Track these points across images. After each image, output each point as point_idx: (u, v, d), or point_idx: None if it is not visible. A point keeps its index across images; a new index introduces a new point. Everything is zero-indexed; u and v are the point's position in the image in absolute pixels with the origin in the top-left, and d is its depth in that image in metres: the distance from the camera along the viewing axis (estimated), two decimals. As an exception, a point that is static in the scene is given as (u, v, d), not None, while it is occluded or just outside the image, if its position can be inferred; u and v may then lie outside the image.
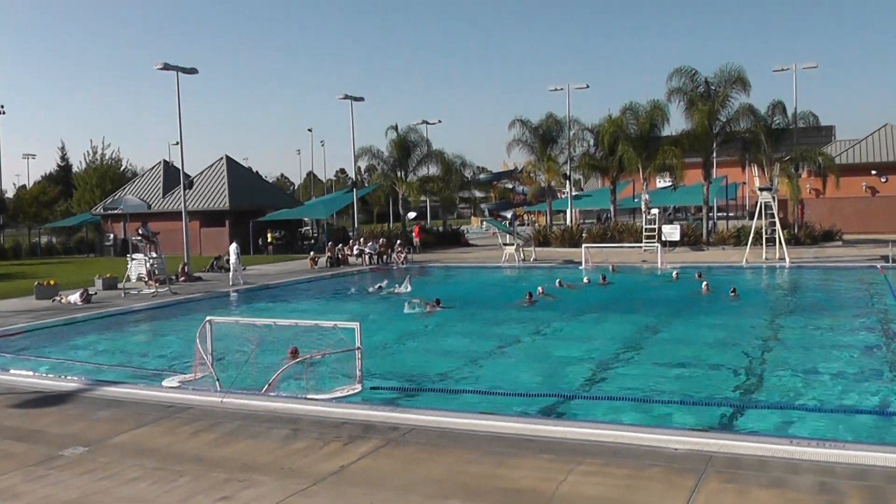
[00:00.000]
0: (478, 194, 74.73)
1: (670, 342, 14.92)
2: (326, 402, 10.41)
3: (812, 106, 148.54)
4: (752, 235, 32.04)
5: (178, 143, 33.23)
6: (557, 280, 24.76)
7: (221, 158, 51.18)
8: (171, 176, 50.97)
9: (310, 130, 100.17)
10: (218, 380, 11.36)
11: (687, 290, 22.86)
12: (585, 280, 25.55)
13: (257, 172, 71.14)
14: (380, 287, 25.31)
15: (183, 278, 28.85)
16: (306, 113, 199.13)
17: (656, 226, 37.90)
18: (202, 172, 50.49)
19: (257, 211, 47.95)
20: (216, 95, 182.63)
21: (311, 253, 36.48)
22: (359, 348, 10.97)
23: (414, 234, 43.58)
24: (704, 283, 22.77)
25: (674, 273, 26.66)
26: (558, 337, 16.18)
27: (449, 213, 72.67)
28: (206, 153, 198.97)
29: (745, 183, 55.18)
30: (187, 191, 36.40)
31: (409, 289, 23.83)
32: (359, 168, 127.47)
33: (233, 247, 28.98)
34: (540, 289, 21.96)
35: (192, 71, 32.26)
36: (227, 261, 30.28)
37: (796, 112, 39.53)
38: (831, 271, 27.48)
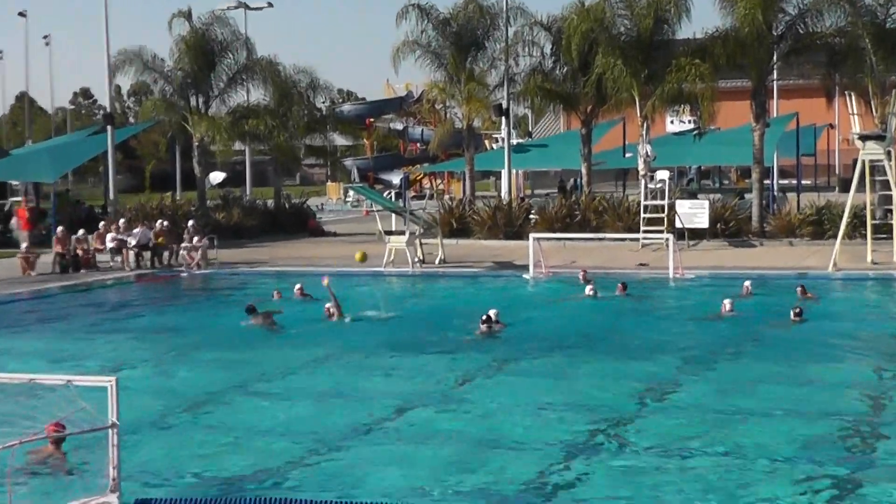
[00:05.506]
0: (340, 142, 72.53)
1: (679, 409, 16.17)
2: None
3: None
4: (845, 220, 32.18)
5: None
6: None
7: None
8: None
9: (22, 15, 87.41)
10: None
11: (703, 311, 25.12)
12: (589, 291, 27.25)
13: None
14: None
15: None
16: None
17: (665, 202, 38.20)
18: None
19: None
20: None
21: (24, 247, 35.27)
22: (114, 425, 10.99)
23: (21, 221, 41.63)
24: (727, 300, 24.34)
25: (745, 286, 26.78)
26: (491, 398, 17.24)
27: (287, 177, 72.05)
28: None
29: (832, 126, 58.61)
30: None
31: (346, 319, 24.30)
32: (118, 89, 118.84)
33: None
34: (492, 312, 23.29)
35: None
36: None
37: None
38: None
